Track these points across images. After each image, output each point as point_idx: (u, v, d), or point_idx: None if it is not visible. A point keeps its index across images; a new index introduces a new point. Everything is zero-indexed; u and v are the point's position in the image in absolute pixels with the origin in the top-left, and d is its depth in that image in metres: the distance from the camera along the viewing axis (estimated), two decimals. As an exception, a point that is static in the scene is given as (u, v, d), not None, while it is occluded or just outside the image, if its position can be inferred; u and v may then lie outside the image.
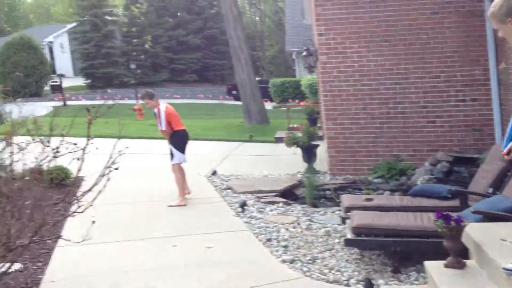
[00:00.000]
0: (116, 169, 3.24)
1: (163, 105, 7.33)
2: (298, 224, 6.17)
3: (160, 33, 40.73)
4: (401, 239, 4.64)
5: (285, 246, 5.38)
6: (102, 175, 3.21)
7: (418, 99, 8.28)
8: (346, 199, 6.03)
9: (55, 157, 3.22)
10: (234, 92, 33.57)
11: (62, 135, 3.26)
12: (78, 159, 3.16)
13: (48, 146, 3.25)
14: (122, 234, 5.83)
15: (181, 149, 7.38)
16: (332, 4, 8.34)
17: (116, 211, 6.77)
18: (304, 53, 12.86)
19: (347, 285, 4.41)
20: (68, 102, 26.88)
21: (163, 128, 7.23)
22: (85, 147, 3.15)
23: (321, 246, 5.41)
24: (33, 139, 3.28)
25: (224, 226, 6.12)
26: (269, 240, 5.58)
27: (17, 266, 4.68)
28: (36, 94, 30.93)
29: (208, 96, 36.34)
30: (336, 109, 8.52)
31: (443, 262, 3.61)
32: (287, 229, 5.94)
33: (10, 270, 3.77)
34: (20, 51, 31.46)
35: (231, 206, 7.05)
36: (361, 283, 4.39)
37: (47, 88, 32.61)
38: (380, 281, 4.43)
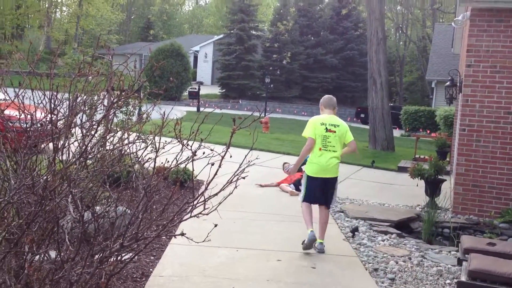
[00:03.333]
0: (243, 178, 3.32)
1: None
2: (409, 258, 5.90)
3: (300, 51, 41.42)
4: (520, 291, 4.27)
5: (392, 279, 5.18)
6: (230, 182, 3.32)
7: None
8: (467, 240, 5.70)
9: (193, 159, 3.38)
10: (362, 115, 33.12)
11: (201, 140, 3.42)
12: (213, 164, 3.29)
13: (189, 149, 3.41)
14: (230, 240, 6.01)
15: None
16: (487, 35, 7.91)
17: (229, 218, 6.99)
18: (448, 83, 12.36)
19: (452, 331, 4.13)
20: (201, 109, 28.52)
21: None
22: (224, 154, 3.28)
23: (430, 285, 5.12)
24: (178, 140, 3.46)
25: (331, 249, 6.04)
26: (376, 270, 5.41)
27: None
28: (175, 98, 33.14)
29: (336, 117, 36.17)
30: (471, 145, 8.05)
31: None
32: (396, 262, 5.72)
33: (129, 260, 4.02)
34: (169, 57, 33.87)
35: (342, 229, 6.96)
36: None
37: (185, 93, 34.76)
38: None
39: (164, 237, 5.64)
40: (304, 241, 5.81)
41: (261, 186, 9.51)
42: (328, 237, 6.57)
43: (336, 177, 5.99)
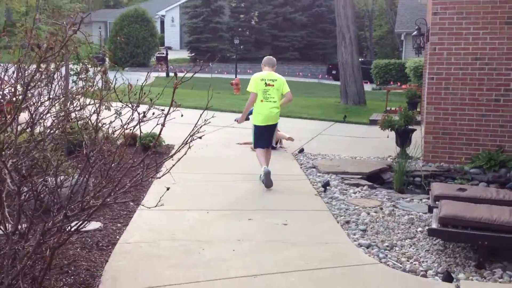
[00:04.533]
0: (200, 138, 3.20)
1: None
2: (381, 209, 5.90)
3: (268, 10, 40.72)
4: (491, 234, 4.28)
5: (364, 230, 5.17)
6: (185, 143, 3.19)
7: (534, 87, 7.55)
8: (437, 187, 5.67)
9: (141, 121, 3.25)
10: (334, 72, 33.02)
11: (151, 100, 3.28)
12: (162, 125, 3.15)
13: (136, 111, 3.29)
14: (201, 203, 5.90)
15: None
16: (452, -19, 7.78)
17: (199, 180, 6.88)
18: (415, 33, 12.24)
19: (424, 276, 4.14)
20: (171, 74, 28.04)
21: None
22: (167, 113, 3.13)
23: (402, 233, 5.12)
24: (123, 104, 3.34)
25: (303, 204, 6.00)
26: (347, 222, 5.39)
27: (97, 225, 4.87)
28: (143, 64, 32.49)
29: (308, 75, 36.02)
30: (440, 93, 8.01)
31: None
32: (368, 213, 5.70)
33: (86, 229, 3.88)
34: (133, 23, 32.99)
35: (314, 185, 6.91)
36: (440, 275, 4.10)
37: (153, 59, 34.08)
38: (461, 275, 4.10)
39: (132, 204, 5.50)
40: (260, 176, 6.67)
41: (241, 144, 9.63)
42: (300, 192, 6.55)
43: (276, 123, 7.12)
